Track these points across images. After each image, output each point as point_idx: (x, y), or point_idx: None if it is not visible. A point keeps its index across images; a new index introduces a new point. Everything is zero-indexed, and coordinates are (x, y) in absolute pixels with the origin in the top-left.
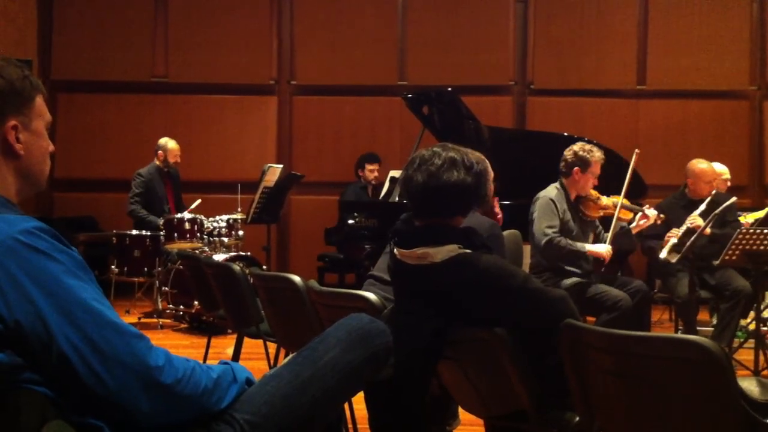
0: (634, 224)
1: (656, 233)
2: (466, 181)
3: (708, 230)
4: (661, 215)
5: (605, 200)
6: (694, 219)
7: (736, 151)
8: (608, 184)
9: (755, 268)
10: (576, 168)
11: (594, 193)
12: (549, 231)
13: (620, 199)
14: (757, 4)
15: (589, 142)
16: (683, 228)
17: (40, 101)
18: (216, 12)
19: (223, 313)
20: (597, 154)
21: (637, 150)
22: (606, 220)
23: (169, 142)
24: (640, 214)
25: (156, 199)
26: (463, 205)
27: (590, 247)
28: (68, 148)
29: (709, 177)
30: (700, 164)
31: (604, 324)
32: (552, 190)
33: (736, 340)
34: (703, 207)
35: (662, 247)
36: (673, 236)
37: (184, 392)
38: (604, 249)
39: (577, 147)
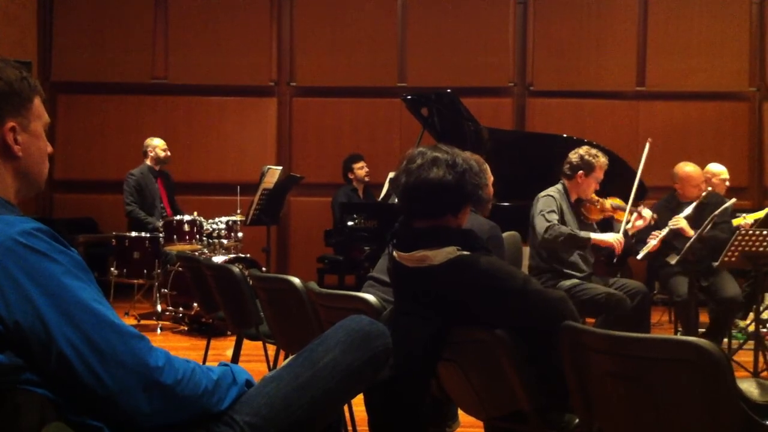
0: (630, 225)
1: (644, 236)
2: (445, 179)
3: (690, 231)
4: (655, 215)
5: (605, 203)
6: (677, 221)
7: (736, 152)
8: (606, 185)
9: (755, 269)
10: (580, 171)
11: (594, 196)
12: (551, 218)
13: (628, 204)
14: (756, 5)
15: (590, 144)
16: (666, 230)
17: (38, 103)
18: (216, 13)
19: (222, 314)
20: (602, 160)
21: (649, 139)
22: (604, 224)
23: (153, 140)
24: (635, 215)
25: (149, 197)
26: (445, 203)
27: (596, 236)
28: (68, 149)
29: (696, 180)
30: (685, 167)
31: (604, 325)
32: (552, 191)
33: (735, 341)
34: (689, 209)
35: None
36: (653, 238)
37: (184, 393)
38: (613, 237)
39: (582, 150)
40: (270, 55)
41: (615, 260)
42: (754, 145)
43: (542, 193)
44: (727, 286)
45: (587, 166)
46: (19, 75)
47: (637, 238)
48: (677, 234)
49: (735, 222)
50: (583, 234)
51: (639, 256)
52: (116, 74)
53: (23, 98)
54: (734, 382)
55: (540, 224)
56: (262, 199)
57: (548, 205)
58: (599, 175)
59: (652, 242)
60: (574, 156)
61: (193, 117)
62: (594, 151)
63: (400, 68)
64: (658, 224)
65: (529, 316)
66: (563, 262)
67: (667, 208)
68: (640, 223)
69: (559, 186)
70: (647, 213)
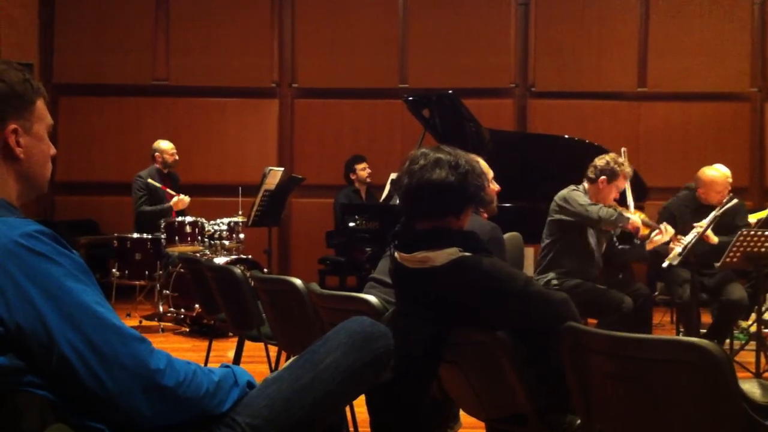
0: (648, 240)
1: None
2: (448, 179)
3: (715, 239)
4: (679, 236)
5: (625, 213)
6: (702, 227)
7: (737, 153)
8: None
9: (756, 270)
10: (603, 177)
11: (614, 204)
12: (593, 203)
13: (641, 215)
14: (757, 6)
15: (591, 145)
16: (689, 237)
17: (41, 105)
18: (217, 15)
19: (224, 316)
20: (627, 169)
21: (623, 148)
22: (620, 235)
23: (161, 143)
24: (656, 231)
25: (157, 200)
26: (448, 204)
27: (631, 216)
28: (69, 151)
29: (720, 186)
30: (709, 172)
31: (606, 327)
32: (574, 188)
33: (737, 342)
34: (712, 216)
35: (668, 253)
36: (678, 245)
37: (185, 395)
38: (638, 219)
39: (609, 157)
40: (271, 57)
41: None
42: (755, 145)
43: (566, 190)
44: (732, 289)
45: (611, 174)
46: (21, 77)
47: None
48: (700, 241)
49: None
50: (626, 213)
51: (664, 265)
52: (117, 76)
53: (26, 100)
54: (736, 382)
55: (588, 208)
56: (263, 200)
57: (581, 196)
58: (621, 184)
59: (677, 249)
60: (600, 161)
61: (194, 118)
62: (621, 159)
63: (401, 69)
64: (677, 224)
65: (530, 317)
66: (568, 262)
67: (687, 209)
68: (658, 237)
69: (580, 186)
70: (670, 229)
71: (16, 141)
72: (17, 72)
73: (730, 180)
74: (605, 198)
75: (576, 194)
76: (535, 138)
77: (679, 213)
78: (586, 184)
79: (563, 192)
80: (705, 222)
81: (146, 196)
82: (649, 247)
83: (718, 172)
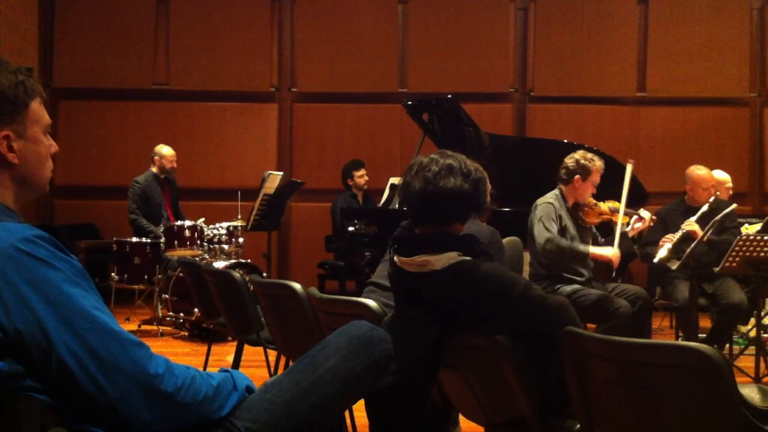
0: (629, 228)
1: (654, 240)
2: (463, 188)
3: (698, 229)
4: (653, 217)
5: (602, 206)
6: (690, 224)
7: (737, 158)
8: (610, 189)
9: (755, 274)
10: (577, 176)
11: (592, 200)
12: (551, 228)
13: (621, 206)
14: (756, 11)
15: (590, 149)
16: (679, 233)
17: (35, 106)
18: (217, 20)
19: (223, 320)
20: (598, 163)
21: (630, 161)
22: (602, 227)
23: (163, 148)
24: (635, 217)
25: (154, 205)
26: (460, 212)
27: (595, 250)
28: (69, 155)
29: (707, 183)
30: (698, 170)
31: (605, 331)
32: (550, 197)
33: (736, 347)
34: (700, 213)
35: (656, 252)
36: (668, 241)
37: (184, 400)
38: (611, 252)
39: (578, 155)
40: (271, 61)
41: (614, 274)
42: (755, 150)
43: (540, 201)
44: (732, 292)
45: (584, 171)
46: (14, 80)
47: (647, 241)
48: (686, 238)
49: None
50: (582, 248)
51: (655, 260)
52: (117, 80)
53: (18, 105)
54: (736, 387)
55: (540, 235)
56: (262, 204)
57: (548, 213)
58: (596, 178)
59: (668, 245)
60: (570, 161)
61: (194, 123)
62: (590, 155)
63: (400, 74)
64: (668, 228)
65: (530, 322)
66: (563, 267)
67: (676, 213)
68: (639, 225)
69: (556, 191)
70: (646, 214)
71: (9, 146)
72: (9, 75)
73: (729, 185)
74: (582, 195)
75: (546, 211)
76: (534, 142)
77: (669, 217)
78: (562, 187)
79: (540, 201)
80: (692, 219)
81: (141, 202)
82: (631, 233)
83: (705, 171)
